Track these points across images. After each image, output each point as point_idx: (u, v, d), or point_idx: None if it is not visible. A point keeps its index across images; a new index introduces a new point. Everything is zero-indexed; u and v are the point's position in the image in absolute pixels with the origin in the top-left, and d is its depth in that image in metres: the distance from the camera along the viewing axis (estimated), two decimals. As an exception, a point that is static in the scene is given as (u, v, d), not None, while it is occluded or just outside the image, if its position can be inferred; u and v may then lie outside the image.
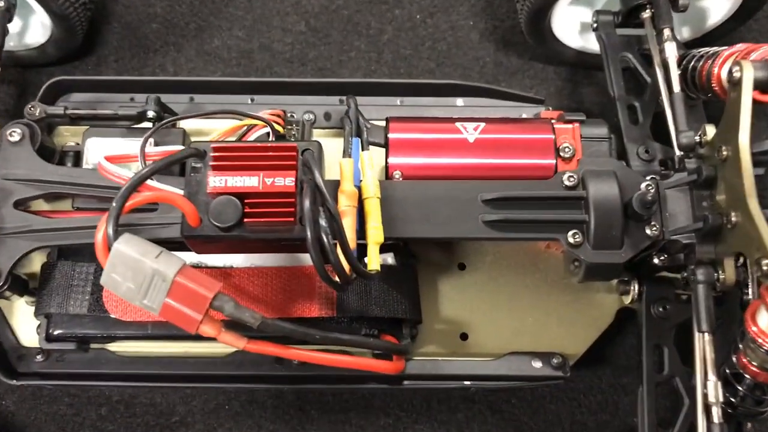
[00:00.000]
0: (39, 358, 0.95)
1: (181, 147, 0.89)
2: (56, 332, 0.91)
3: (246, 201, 0.80)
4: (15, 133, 0.91)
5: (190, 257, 0.88)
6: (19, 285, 0.92)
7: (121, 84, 1.04)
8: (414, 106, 1.05)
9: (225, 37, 1.23)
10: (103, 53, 1.22)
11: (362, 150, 0.88)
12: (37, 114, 0.98)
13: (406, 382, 0.96)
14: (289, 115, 1.00)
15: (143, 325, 0.90)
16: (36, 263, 0.96)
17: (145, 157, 0.85)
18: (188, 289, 0.73)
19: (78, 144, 0.99)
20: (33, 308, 0.96)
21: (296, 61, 1.22)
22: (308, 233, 0.76)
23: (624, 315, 0.99)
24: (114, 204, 0.75)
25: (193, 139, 0.99)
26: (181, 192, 0.80)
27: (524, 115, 1.04)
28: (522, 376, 0.96)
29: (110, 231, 0.74)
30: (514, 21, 1.24)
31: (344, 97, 1.04)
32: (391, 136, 0.94)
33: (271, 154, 0.82)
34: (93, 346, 0.96)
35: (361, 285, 0.90)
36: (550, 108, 1.04)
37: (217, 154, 0.81)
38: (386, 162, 0.93)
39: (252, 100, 1.05)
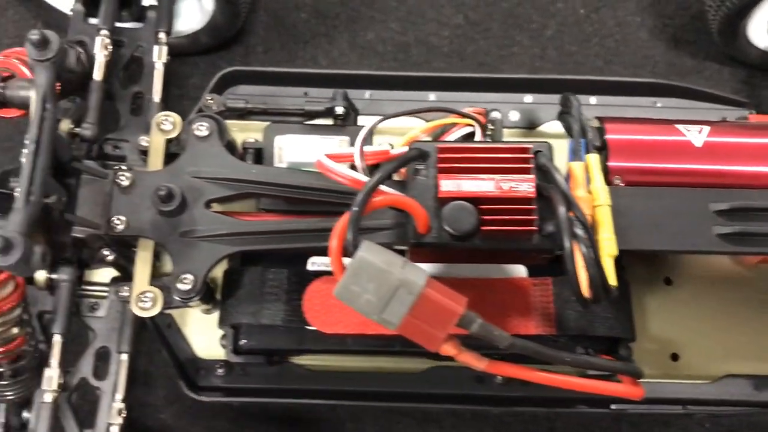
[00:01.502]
0: (220, 371, 0.88)
1: (397, 148, 0.81)
2: (246, 344, 0.84)
3: (481, 207, 0.72)
4: (203, 128, 0.84)
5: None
6: (207, 293, 0.84)
7: (296, 77, 0.97)
8: (607, 105, 0.98)
9: (379, 29, 1.16)
10: (251, 43, 1.15)
11: (587, 153, 0.81)
12: (214, 107, 0.91)
13: (613, 406, 0.89)
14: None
15: (342, 338, 0.83)
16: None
17: (363, 157, 0.78)
18: (435, 302, 0.66)
19: (257, 140, 0.92)
20: (206, 317, 0.89)
21: (455, 55, 1.15)
22: (566, 244, 0.69)
23: None
24: (354, 207, 0.68)
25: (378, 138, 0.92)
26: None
27: (727, 119, 0.96)
28: (747, 402, 0.88)
29: (351, 237, 0.67)
30: (684, 19, 1.17)
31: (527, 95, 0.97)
32: (609, 137, 0.86)
33: (504, 156, 0.74)
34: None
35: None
36: (753, 111, 0.96)
37: (444, 155, 0.74)
38: (605, 166, 0.85)
39: (430, 96, 0.98)
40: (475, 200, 0.72)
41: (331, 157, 0.77)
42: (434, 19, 1.16)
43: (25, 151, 0.70)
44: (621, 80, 0.98)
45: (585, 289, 0.71)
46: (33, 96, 0.71)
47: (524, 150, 0.75)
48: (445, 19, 1.16)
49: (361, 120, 0.94)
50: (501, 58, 1.15)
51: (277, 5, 1.17)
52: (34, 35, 0.68)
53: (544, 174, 0.74)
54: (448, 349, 0.68)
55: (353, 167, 0.78)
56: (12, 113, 0.77)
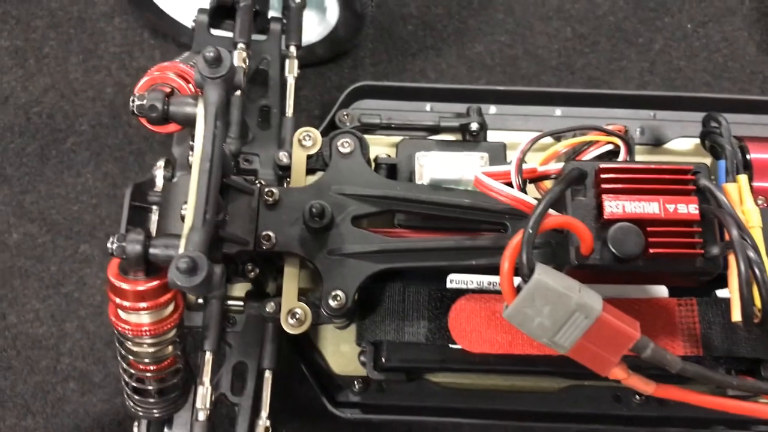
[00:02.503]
0: (357, 388, 0.88)
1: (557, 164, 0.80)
2: (389, 362, 0.83)
3: (648, 229, 0.72)
4: (347, 144, 0.84)
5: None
6: (353, 309, 0.84)
7: (423, 91, 0.97)
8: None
9: (487, 41, 1.16)
10: (359, 56, 1.15)
11: (738, 173, 0.81)
12: (348, 122, 0.91)
13: (757, 427, 0.88)
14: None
15: (485, 357, 0.82)
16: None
17: (523, 174, 0.78)
18: (611, 327, 0.66)
19: (389, 156, 0.91)
20: (339, 333, 0.89)
21: (564, 69, 1.14)
22: (741, 268, 0.68)
23: None
24: (529, 230, 0.67)
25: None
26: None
27: None
28: None
29: (525, 259, 0.67)
30: (793, 34, 1.16)
31: (652, 111, 0.97)
32: (754, 156, 0.85)
33: (666, 176, 0.74)
34: (409, 375, 0.88)
35: (726, 321, 0.82)
36: None
37: (607, 176, 0.74)
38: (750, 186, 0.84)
39: (556, 112, 0.98)
40: (640, 222, 0.72)
41: (488, 174, 0.76)
42: (543, 31, 1.16)
43: (194, 169, 0.70)
44: (759, 99, 0.97)
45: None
46: (201, 113, 0.70)
47: (685, 171, 0.74)
48: (554, 32, 1.16)
49: (491, 135, 0.94)
50: (610, 72, 1.14)
51: (384, 17, 1.17)
52: (210, 52, 0.68)
53: (703, 195, 0.74)
54: (618, 373, 0.68)
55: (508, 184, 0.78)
56: (170, 129, 0.77)
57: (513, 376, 0.87)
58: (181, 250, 0.66)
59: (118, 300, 0.71)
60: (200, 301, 0.84)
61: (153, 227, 0.80)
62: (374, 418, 0.87)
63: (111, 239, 0.69)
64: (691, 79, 1.14)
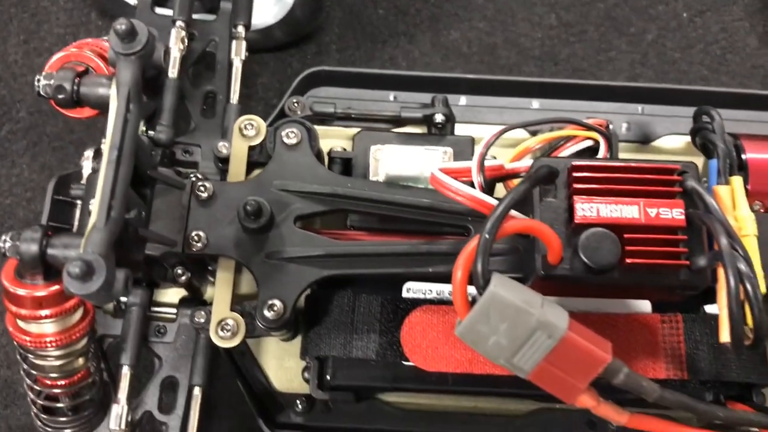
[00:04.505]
0: (300, 407, 0.78)
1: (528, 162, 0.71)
2: (335, 380, 0.74)
3: (625, 236, 0.63)
4: (292, 135, 0.74)
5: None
6: (294, 321, 0.75)
7: (387, 79, 0.87)
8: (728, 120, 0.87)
9: (464, 28, 1.06)
10: (324, 41, 1.06)
11: (731, 175, 0.71)
12: (299, 111, 0.82)
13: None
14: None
15: (444, 376, 0.73)
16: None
17: (485, 172, 0.68)
18: (578, 349, 0.57)
19: (345, 149, 0.82)
20: (284, 345, 0.80)
21: (547, 59, 1.05)
22: (731, 282, 0.59)
23: None
24: (486, 235, 0.58)
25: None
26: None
27: None
28: None
29: (480, 268, 0.57)
30: (797, 25, 1.07)
31: (640, 105, 0.88)
32: (750, 156, 0.76)
33: (649, 177, 0.64)
34: (359, 394, 0.79)
35: (714, 341, 0.73)
36: None
37: (580, 174, 0.64)
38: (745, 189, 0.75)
39: (534, 104, 0.88)
40: (617, 227, 0.62)
41: (446, 171, 0.67)
42: (525, 18, 1.07)
43: (103, 158, 0.61)
44: (756, 93, 0.87)
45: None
46: (113, 95, 0.61)
47: (670, 171, 0.65)
48: (537, 19, 1.07)
49: (459, 128, 0.85)
50: (598, 63, 1.05)
51: (352, 0, 1.07)
52: (120, 24, 0.59)
53: (690, 198, 0.64)
54: (585, 400, 0.59)
55: (468, 183, 0.69)
56: (85, 113, 0.68)
57: (475, 397, 0.78)
58: (81, 251, 0.57)
59: (14, 308, 0.62)
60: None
61: (78, 224, 0.72)
62: (314, 441, 0.77)
63: (3, 237, 0.60)
64: (686, 73, 1.05)
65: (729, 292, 0.59)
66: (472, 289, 0.58)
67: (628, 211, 0.63)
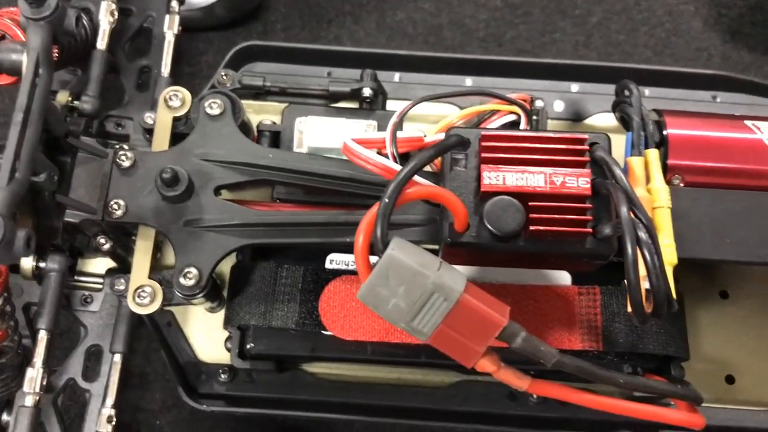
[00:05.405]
0: (223, 377, 0.79)
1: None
2: (254, 349, 0.75)
3: (530, 204, 0.63)
4: (215, 105, 0.75)
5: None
6: (213, 289, 0.75)
7: (320, 54, 0.88)
8: (662, 98, 0.88)
9: (410, 9, 1.07)
10: (269, 20, 1.06)
11: (647, 147, 0.72)
12: (228, 84, 0.82)
13: (663, 432, 0.79)
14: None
15: (362, 345, 0.74)
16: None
17: (397, 144, 0.69)
18: (474, 311, 0.58)
19: (275, 123, 0.83)
20: (211, 316, 0.81)
21: (491, 40, 1.06)
22: (628, 249, 0.59)
23: None
24: (385, 199, 0.59)
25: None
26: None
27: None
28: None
29: (379, 232, 0.58)
30: (742, 9, 1.07)
31: (573, 84, 0.89)
32: (670, 132, 0.77)
33: (556, 146, 0.65)
34: (284, 364, 0.80)
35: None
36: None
37: (488, 143, 0.65)
38: (664, 163, 0.76)
39: (467, 81, 0.89)
40: (522, 196, 0.63)
41: (359, 141, 0.68)
42: (471, 0, 1.07)
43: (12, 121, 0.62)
44: (679, 71, 0.88)
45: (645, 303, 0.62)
46: (25, 60, 0.62)
47: (579, 141, 0.65)
48: (482, 1, 1.07)
49: (390, 104, 0.86)
50: (542, 45, 1.05)
51: (300, -21, 1.08)
52: (29, -11, 0.59)
53: (600, 169, 0.65)
54: (485, 365, 0.60)
55: (383, 154, 0.69)
56: (3, 80, 0.68)
57: (396, 368, 0.79)
58: (-16, 211, 0.57)
59: None
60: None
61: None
62: (238, 411, 0.78)
63: None
64: (631, 55, 1.06)
65: (626, 259, 0.60)
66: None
67: (533, 179, 0.63)
